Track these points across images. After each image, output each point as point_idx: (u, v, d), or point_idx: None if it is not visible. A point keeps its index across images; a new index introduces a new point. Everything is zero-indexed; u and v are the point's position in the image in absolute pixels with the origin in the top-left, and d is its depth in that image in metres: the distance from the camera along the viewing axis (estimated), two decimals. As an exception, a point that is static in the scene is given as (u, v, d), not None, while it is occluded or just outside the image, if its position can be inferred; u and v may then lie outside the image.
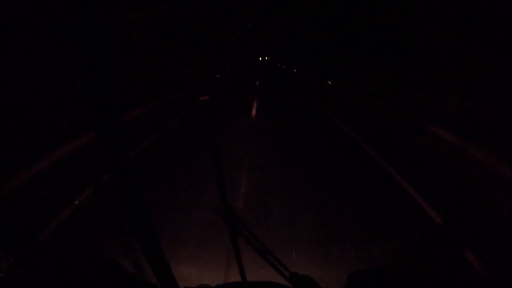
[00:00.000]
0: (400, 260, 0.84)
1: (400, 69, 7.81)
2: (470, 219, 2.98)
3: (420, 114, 5.77)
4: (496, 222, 2.86)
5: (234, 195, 3.48)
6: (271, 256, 0.83)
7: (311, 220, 2.89)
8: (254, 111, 8.72)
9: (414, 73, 7.26)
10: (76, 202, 3.42)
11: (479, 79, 5.00)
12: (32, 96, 4.68)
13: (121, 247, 2.31)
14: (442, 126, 4.80)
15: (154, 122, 7.25)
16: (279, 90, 15.28)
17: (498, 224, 2.80)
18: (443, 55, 6.24)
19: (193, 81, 13.08)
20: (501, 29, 4.33)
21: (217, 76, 19.55)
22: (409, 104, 6.57)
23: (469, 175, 3.66)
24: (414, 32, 7.10)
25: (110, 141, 0.52)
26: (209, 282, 0.94)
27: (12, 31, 4.00)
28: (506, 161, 3.27)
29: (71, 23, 0.46)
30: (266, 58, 72.60)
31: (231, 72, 27.28)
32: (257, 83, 18.46)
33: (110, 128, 0.51)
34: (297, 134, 6.27)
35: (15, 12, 3.98)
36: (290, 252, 2.44)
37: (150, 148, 5.57)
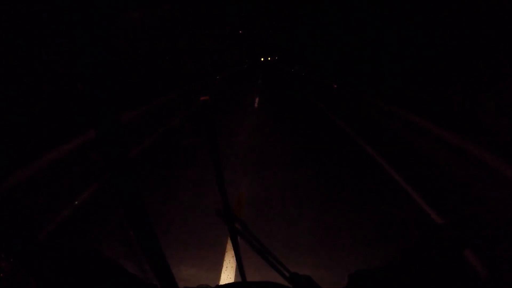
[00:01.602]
0: (400, 260, 0.84)
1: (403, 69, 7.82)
2: (471, 219, 2.98)
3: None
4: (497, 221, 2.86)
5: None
6: (271, 256, 0.83)
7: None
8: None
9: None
10: (76, 202, 3.42)
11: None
12: (32, 96, 4.68)
13: (121, 247, 2.31)
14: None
15: (154, 122, 7.24)
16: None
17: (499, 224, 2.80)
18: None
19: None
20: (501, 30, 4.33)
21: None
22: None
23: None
24: (415, 33, 7.10)
25: (110, 141, 0.52)
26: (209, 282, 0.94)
27: (12, 31, 4.00)
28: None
29: (71, 23, 0.46)
30: (269, 58, 60.12)
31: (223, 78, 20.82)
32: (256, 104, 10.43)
33: (110, 128, 0.51)
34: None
35: (15, 11, 3.99)
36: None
37: (151, 148, 5.57)
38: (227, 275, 2.26)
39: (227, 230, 0.86)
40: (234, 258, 0.92)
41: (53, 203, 3.30)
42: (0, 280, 0.60)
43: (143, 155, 5.16)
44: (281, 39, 42.24)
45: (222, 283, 0.85)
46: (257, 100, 11.32)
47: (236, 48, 36.08)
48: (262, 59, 60.38)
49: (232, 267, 2.33)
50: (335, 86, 12.24)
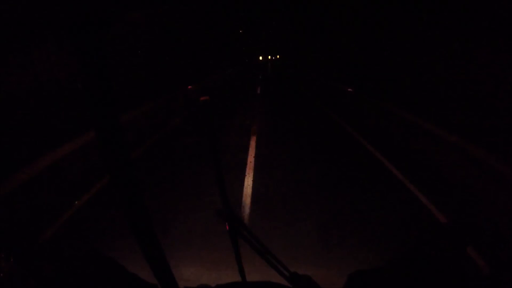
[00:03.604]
0: (400, 260, 0.84)
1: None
2: (472, 219, 2.98)
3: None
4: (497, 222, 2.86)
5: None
6: (271, 256, 0.83)
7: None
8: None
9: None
10: (76, 203, 3.43)
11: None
12: (32, 96, 4.68)
13: (121, 247, 2.31)
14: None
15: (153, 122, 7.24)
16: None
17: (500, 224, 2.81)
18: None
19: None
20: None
21: None
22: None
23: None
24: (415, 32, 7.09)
25: (110, 141, 0.52)
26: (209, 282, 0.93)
27: (12, 31, 4.00)
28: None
29: (71, 23, 0.46)
30: (270, 57, 49.30)
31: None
32: None
33: (110, 128, 0.51)
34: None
35: (15, 11, 3.99)
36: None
37: (151, 148, 5.57)
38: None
39: (227, 230, 0.86)
40: (234, 258, 0.92)
41: (53, 203, 3.30)
42: (0, 280, 0.60)
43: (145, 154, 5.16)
44: (283, 36, 37.82)
45: (222, 283, 0.85)
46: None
47: (237, 48, 35.05)
48: (260, 57, 49.93)
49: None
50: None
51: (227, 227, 0.84)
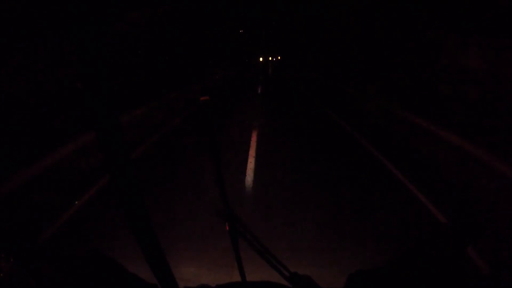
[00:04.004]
0: (400, 260, 0.85)
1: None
2: (472, 219, 2.99)
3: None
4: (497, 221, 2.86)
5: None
6: (271, 256, 0.83)
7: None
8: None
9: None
10: (76, 203, 3.43)
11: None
12: (32, 96, 4.68)
13: (121, 247, 2.31)
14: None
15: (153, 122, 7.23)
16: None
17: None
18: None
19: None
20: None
21: None
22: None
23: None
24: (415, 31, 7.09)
25: (110, 141, 0.52)
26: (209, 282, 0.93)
27: (12, 31, 4.00)
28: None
29: (71, 23, 0.46)
30: (271, 58, 45.96)
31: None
32: None
33: (110, 128, 0.51)
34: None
35: (15, 11, 3.98)
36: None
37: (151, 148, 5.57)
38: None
39: (227, 230, 0.86)
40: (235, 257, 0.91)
41: (53, 203, 3.30)
42: (0, 280, 0.60)
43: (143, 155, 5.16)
44: (283, 37, 35.48)
45: (222, 283, 0.85)
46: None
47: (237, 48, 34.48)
48: (260, 59, 45.92)
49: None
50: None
51: (227, 227, 0.84)
